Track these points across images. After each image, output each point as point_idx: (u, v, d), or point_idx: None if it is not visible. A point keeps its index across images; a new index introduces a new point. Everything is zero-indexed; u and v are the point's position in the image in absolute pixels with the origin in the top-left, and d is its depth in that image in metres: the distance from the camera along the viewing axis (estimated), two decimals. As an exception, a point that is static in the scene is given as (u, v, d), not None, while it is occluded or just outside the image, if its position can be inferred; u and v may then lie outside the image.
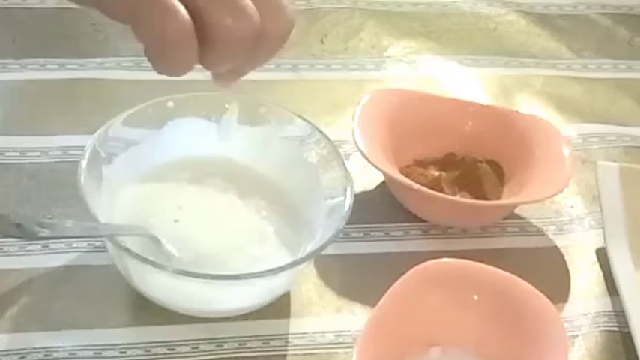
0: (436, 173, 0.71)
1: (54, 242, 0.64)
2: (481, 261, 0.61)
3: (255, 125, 0.67)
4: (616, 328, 0.64)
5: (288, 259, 0.59)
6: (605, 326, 0.65)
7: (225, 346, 0.60)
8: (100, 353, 0.59)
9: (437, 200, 0.67)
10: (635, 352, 0.61)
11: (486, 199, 0.70)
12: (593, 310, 0.66)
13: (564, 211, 0.73)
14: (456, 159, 0.73)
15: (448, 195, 0.68)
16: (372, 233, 0.69)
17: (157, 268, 0.56)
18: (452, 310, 0.60)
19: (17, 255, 0.63)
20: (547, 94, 0.84)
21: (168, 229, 0.61)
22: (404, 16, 0.92)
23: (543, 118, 0.75)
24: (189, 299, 0.59)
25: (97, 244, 0.64)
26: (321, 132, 0.65)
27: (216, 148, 0.66)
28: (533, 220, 0.72)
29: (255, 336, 0.61)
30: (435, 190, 0.68)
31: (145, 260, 0.56)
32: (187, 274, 0.56)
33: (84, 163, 0.60)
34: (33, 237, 0.57)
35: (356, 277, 0.66)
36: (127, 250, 0.56)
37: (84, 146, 0.61)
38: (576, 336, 0.64)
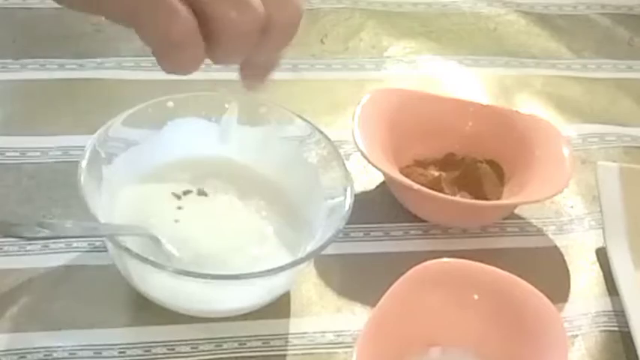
0: (436, 173, 0.71)
1: (54, 242, 0.64)
2: (481, 261, 0.61)
3: (255, 125, 0.67)
4: (616, 328, 0.64)
5: (288, 259, 0.59)
6: (605, 326, 0.65)
7: (225, 346, 0.60)
8: (100, 353, 0.59)
9: (437, 200, 0.67)
10: (635, 352, 0.61)
11: (486, 199, 0.70)
12: (593, 310, 0.66)
13: (564, 211, 0.73)
14: (456, 159, 0.73)
15: (448, 195, 0.68)
16: (372, 233, 0.69)
17: (157, 268, 0.56)
18: (452, 310, 0.60)
19: (17, 255, 0.63)
20: (547, 94, 0.84)
21: (168, 229, 0.61)
22: (404, 16, 0.92)
23: (543, 118, 0.75)
24: (189, 299, 0.59)
25: (97, 244, 0.64)
26: (321, 132, 0.65)
27: (216, 148, 0.66)
28: (533, 220, 0.72)
29: (255, 336, 0.61)
30: (435, 190, 0.68)
31: (145, 260, 0.56)
32: (187, 274, 0.56)
33: (84, 163, 0.60)
34: (33, 237, 0.57)
35: (356, 277, 0.66)
36: (127, 250, 0.56)
37: (84, 146, 0.61)
38: (576, 336, 0.64)
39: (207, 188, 0.64)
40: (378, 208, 0.71)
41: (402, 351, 0.58)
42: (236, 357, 0.60)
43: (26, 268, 0.63)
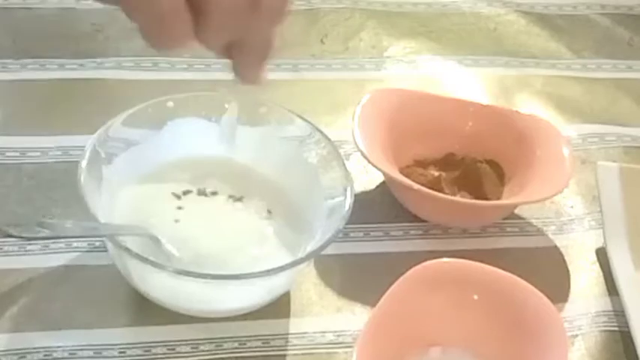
0: (436, 173, 0.71)
1: (54, 242, 0.64)
2: (481, 261, 0.61)
3: (255, 125, 0.67)
4: (616, 328, 0.65)
5: (288, 259, 0.59)
6: (605, 326, 0.65)
7: (225, 346, 0.60)
8: (100, 353, 0.59)
9: (437, 200, 0.67)
10: (635, 352, 0.61)
11: (486, 199, 0.70)
12: (593, 310, 0.66)
13: (564, 211, 0.73)
14: (456, 159, 0.73)
15: (448, 195, 0.68)
16: (372, 233, 0.69)
17: (157, 268, 0.56)
18: (452, 310, 0.60)
19: (17, 255, 0.63)
20: (547, 94, 0.84)
21: (168, 229, 0.61)
22: (404, 16, 0.92)
23: (543, 118, 0.75)
24: (189, 299, 0.59)
25: (97, 244, 0.64)
26: (321, 132, 0.65)
27: (216, 148, 0.66)
28: (533, 220, 0.72)
29: (255, 336, 0.61)
30: (435, 190, 0.68)
31: (145, 260, 0.56)
32: (187, 274, 0.56)
33: (84, 163, 0.60)
34: (33, 237, 0.57)
35: (356, 277, 0.66)
36: (127, 250, 0.56)
37: (84, 146, 0.61)
38: (576, 336, 0.64)
39: (207, 188, 0.64)
40: (378, 208, 0.71)
41: (402, 351, 0.58)
42: (236, 357, 0.60)
43: (26, 268, 0.63)
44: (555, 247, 0.70)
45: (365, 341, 0.56)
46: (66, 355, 0.58)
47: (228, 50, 0.48)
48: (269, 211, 0.64)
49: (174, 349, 0.60)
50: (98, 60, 0.80)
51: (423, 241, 0.69)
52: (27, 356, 0.58)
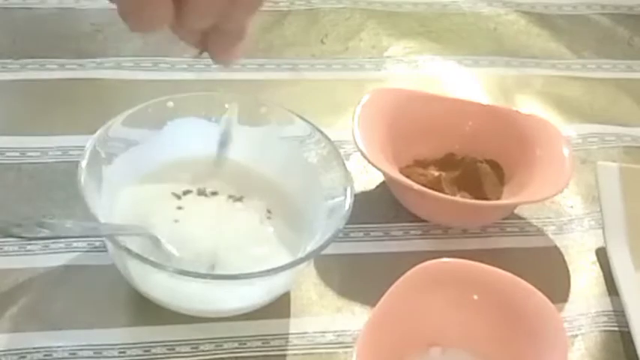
0: (436, 173, 0.71)
1: (54, 242, 0.64)
2: (481, 261, 0.61)
3: (255, 125, 0.67)
4: (616, 328, 0.65)
5: (288, 259, 0.59)
6: (605, 326, 0.65)
7: (225, 346, 0.60)
8: (100, 353, 0.59)
9: (437, 200, 0.67)
10: (635, 352, 0.61)
11: (486, 199, 0.70)
12: (593, 310, 0.66)
13: (564, 211, 0.73)
14: (456, 159, 0.73)
15: (448, 195, 0.68)
16: (372, 233, 0.69)
17: (156, 268, 0.56)
18: (452, 310, 0.60)
19: (17, 255, 0.63)
20: (547, 94, 0.84)
21: (168, 229, 0.61)
22: (404, 16, 0.91)
23: (543, 118, 0.75)
24: (189, 299, 0.59)
25: (97, 244, 0.64)
26: (321, 132, 0.65)
27: (216, 148, 0.66)
28: (533, 220, 0.72)
29: (255, 336, 0.61)
30: (435, 190, 0.68)
31: (145, 260, 0.56)
32: (187, 274, 0.56)
33: (84, 163, 0.60)
34: (33, 237, 0.57)
35: (356, 277, 0.66)
36: (127, 250, 0.56)
37: (84, 146, 0.61)
38: (576, 336, 0.64)
39: (207, 188, 0.64)
40: (378, 208, 0.71)
41: (402, 351, 0.58)
42: (236, 357, 0.60)
43: (26, 268, 0.63)
44: (555, 247, 0.70)
45: (365, 341, 0.56)
46: (66, 355, 0.58)
47: (204, 37, 0.49)
48: (269, 211, 0.64)
49: (174, 349, 0.60)
50: (98, 60, 0.80)
51: (423, 241, 0.69)
52: (27, 356, 0.58)
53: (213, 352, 0.60)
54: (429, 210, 0.69)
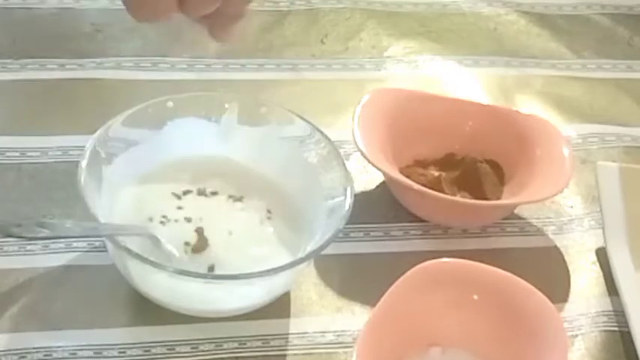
0: (436, 173, 0.71)
1: (54, 242, 0.64)
2: (481, 261, 0.61)
3: (255, 125, 0.67)
4: (616, 328, 0.65)
5: (288, 259, 0.59)
6: (605, 326, 0.65)
7: (225, 346, 0.60)
8: (100, 353, 0.59)
9: (437, 200, 0.67)
10: (635, 352, 0.61)
11: (486, 199, 0.70)
12: (593, 310, 0.66)
13: (564, 211, 0.73)
14: (456, 159, 0.73)
15: (448, 195, 0.68)
16: (372, 233, 0.69)
17: (156, 268, 0.56)
18: (452, 310, 0.60)
19: (17, 255, 0.63)
20: (547, 94, 0.84)
21: (168, 229, 0.61)
22: (404, 16, 0.91)
23: (543, 118, 0.75)
24: (189, 299, 0.59)
25: (97, 244, 0.64)
26: (321, 132, 0.65)
27: (216, 148, 0.66)
28: (533, 220, 0.72)
29: (255, 336, 0.61)
30: (435, 190, 0.68)
31: (145, 260, 0.56)
32: (187, 274, 0.56)
33: (84, 163, 0.60)
34: (33, 237, 0.57)
35: (356, 277, 0.66)
36: (127, 250, 0.56)
37: (84, 146, 0.61)
38: (576, 336, 0.64)
39: (207, 188, 0.64)
40: (378, 208, 0.71)
41: (402, 351, 0.58)
42: (236, 357, 0.60)
43: (26, 268, 0.63)
44: (555, 247, 0.70)
45: (365, 341, 0.56)
46: (66, 355, 0.58)
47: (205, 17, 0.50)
48: (269, 211, 0.64)
49: (174, 349, 0.60)
50: (98, 60, 0.80)
51: (423, 241, 0.69)
52: (27, 356, 0.58)
53: (213, 352, 0.60)
54: (428, 210, 0.69)
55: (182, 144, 0.65)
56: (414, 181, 0.68)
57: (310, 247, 0.60)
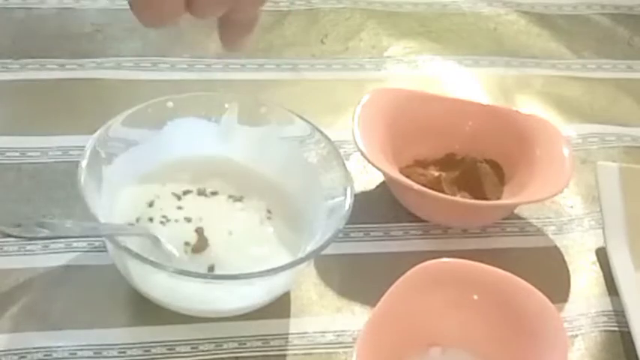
0: (436, 173, 0.71)
1: (54, 242, 0.64)
2: (481, 261, 0.61)
3: (255, 125, 0.67)
4: (616, 328, 0.65)
5: (288, 259, 0.59)
6: (605, 326, 0.65)
7: (225, 346, 0.60)
8: (100, 353, 0.59)
9: (437, 200, 0.67)
10: (635, 352, 0.61)
11: (486, 199, 0.70)
12: (593, 310, 0.66)
13: (564, 211, 0.73)
14: (456, 159, 0.73)
15: (448, 195, 0.68)
16: (372, 233, 0.69)
17: (156, 268, 0.56)
18: (452, 310, 0.60)
19: (17, 255, 0.63)
20: (547, 94, 0.84)
21: (168, 229, 0.61)
22: (404, 16, 0.91)
23: (543, 118, 0.75)
24: (190, 299, 0.59)
25: (97, 244, 0.64)
26: (321, 132, 0.65)
27: (216, 148, 0.66)
28: (533, 220, 0.72)
29: (255, 336, 0.61)
30: (435, 190, 0.68)
31: (145, 260, 0.56)
32: (187, 274, 0.56)
33: (84, 163, 0.60)
34: (33, 237, 0.57)
35: (356, 277, 0.66)
36: (127, 250, 0.56)
37: (84, 146, 0.61)
38: (576, 336, 0.64)
39: (207, 188, 0.64)
40: (378, 208, 0.71)
41: (402, 351, 0.58)
42: (236, 357, 0.60)
43: (26, 268, 0.63)
44: (555, 247, 0.70)
45: (365, 341, 0.56)
46: (66, 355, 0.58)
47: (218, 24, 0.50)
48: (269, 211, 0.64)
49: (173, 349, 0.60)
50: (98, 60, 0.80)
51: (423, 241, 0.69)
52: (27, 356, 0.58)
53: (213, 352, 0.60)
54: (428, 210, 0.69)
55: (182, 144, 0.65)
56: (414, 181, 0.68)
57: (310, 247, 0.60)
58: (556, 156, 0.70)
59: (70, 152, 0.71)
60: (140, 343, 0.59)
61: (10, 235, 0.57)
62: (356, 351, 0.55)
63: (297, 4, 0.89)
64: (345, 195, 0.61)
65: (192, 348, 0.60)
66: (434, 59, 0.87)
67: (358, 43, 0.87)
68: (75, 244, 0.64)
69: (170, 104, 0.65)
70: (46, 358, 0.58)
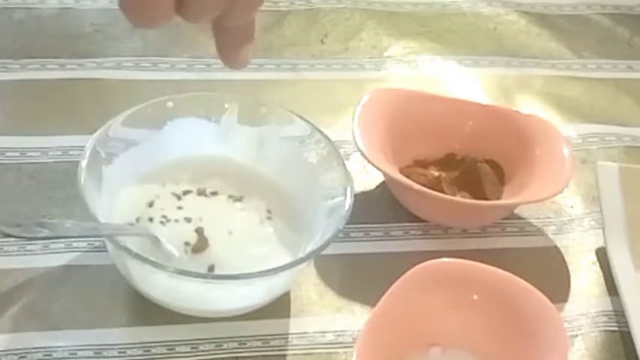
0: (436, 173, 0.71)
1: (54, 242, 0.64)
2: (481, 261, 0.61)
3: (255, 125, 0.67)
4: (616, 328, 0.65)
5: (288, 259, 0.59)
6: (605, 326, 0.65)
7: (225, 346, 0.60)
8: (100, 353, 0.59)
9: (437, 200, 0.67)
10: (635, 352, 0.61)
11: (486, 199, 0.70)
12: (593, 310, 0.66)
13: (564, 211, 0.73)
14: (456, 159, 0.73)
15: (448, 195, 0.68)
16: (372, 233, 0.69)
17: (156, 268, 0.56)
18: (452, 310, 0.60)
19: (17, 255, 0.63)
20: (547, 94, 0.84)
21: (168, 229, 0.61)
22: (404, 16, 0.92)
23: (543, 118, 0.75)
24: (190, 299, 0.59)
25: (97, 244, 0.64)
26: (321, 132, 0.65)
27: (216, 148, 0.66)
28: (533, 220, 0.72)
29: (255, 336, 0.61)
30: (435, 190, 0.68)
31: (145, 260, 0.55)
32: (187, 274, 0.56)
33: (84, 163, 0.60)
34: (33, 237, 0.57)
35: (356, 277, 0.66)
36: (127, 250, 0.56)
37: (84, 146, 0.61)
38: (576, 336, 0.64)
39: (207, 188, 0.64)
40: (378, 208, 0.71)
41: (402, 351, 0.58)
42: (236, 357, 0.60)
43: (26, 268, 0.63)
44: (555, 247, 0.70)
45: (365, 341, 0.56)
46: (66, 355, 0.58)
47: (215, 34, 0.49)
48: (269, 211, 0.64)
49: (173, 349, 0.60)
50: (98, 60, 0.80)
51: (423, 241, 0.69)
52: (27, 356, 0.58)
53: (213, 352, 0.60)
54: (428, 210, 0.69)
55: (182, 144, 0.65)
56: (414, 181, 0.68)
57: (310, 247, 0.60)
58: (556, 156, 0.70)
59: (70, 152, 0.71)
60: (140, 343, 0.59)
61: (10, 235, 0.57)
62: (356, 351, 0.55)
63: (297, 4, 0.89)
64: (345, 195, 0.61)
65: (193, 348, 0.60)
66: (434, 59, 0.87)
67: (358, 43, 0.87)
68: (75, 244, 0.64)
69: (170, 104, 0.65)
70: (46, 358, 0.58)
